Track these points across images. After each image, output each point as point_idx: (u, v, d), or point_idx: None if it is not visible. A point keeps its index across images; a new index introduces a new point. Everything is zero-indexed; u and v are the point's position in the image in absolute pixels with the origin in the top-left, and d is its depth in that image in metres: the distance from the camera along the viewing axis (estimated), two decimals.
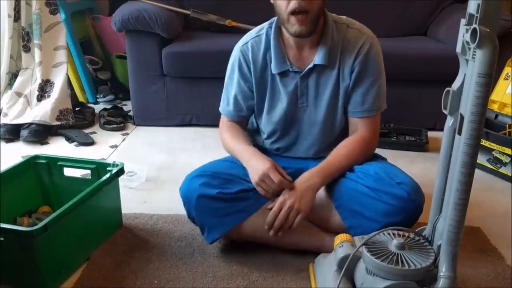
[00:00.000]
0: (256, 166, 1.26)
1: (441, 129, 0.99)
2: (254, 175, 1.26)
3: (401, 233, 1.08)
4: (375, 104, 1.33)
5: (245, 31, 2.55)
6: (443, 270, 0.97)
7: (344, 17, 1.35)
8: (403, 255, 1.00)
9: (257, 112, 1.43)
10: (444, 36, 2.45)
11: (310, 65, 1.30)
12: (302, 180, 1.26)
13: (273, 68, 1.33)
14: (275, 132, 1.43)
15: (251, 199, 1.28)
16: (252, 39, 1.37)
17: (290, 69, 1.32)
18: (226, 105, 1.45)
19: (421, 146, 2.15)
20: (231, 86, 1.42)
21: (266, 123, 1.42)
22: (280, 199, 1.24)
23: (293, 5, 1.19)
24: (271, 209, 1.24)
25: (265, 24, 1.38)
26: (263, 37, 1.36)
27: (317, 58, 1.30)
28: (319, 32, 1.30)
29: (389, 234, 1.07)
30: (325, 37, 1.29)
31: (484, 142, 1.93)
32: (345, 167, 1.31)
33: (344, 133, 1.39)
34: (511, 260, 1.34)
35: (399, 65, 2.26)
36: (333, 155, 1.32)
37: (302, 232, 1.31)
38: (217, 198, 1.25)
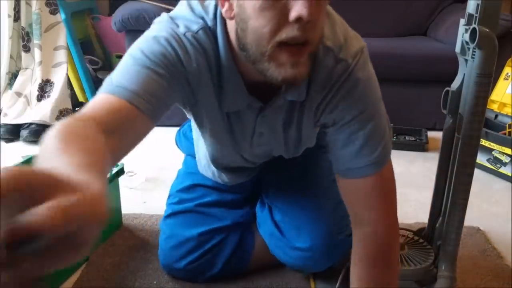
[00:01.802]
0: None
1: (441, 129, 0.99)
2: None
3: (400, 233, 1.08)
4: (372, 156, 0.84)
5: None
6: (442, 269, 0.97)
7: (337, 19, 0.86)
8: (403, 255, 1.00)
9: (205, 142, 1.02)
10: (444, 36, 2.45)
11: (280, 101, 0.84)
12: None
13: (225, 105, 0.85)
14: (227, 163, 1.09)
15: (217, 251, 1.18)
16: (191, 47, 0.77)
17: (252, 105, 0.85)
18: (122, 78, 0.75)
19: (421, 146, 2.15)
20: (149, 74, 0.74)
21: (215, 153, 1.05)
22: None
23: (291, 31, 0.67)
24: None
25: (198, 22, 0.78)
26: (209, 53, 0.79)
27: (292, 93, 0.83)
28: None
29: None
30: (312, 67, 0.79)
31: (484, 142, 1.93)
32: None
33: None
34: (511, 260, 1.34)
35: (399, 65, 2.26)
36: None
37: None
38: (185, 270, 1.19)
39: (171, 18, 0.79)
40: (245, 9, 0.69)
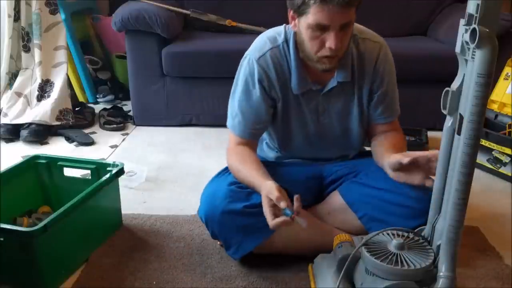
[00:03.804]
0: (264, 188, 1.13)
1: (441, 129, 0.99)
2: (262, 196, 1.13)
3: (400, 233, 1.08)
4: (397, 108, 1.39)
5: (245, 31, 2.58)
6: (442, 270, 0.97)
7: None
8: (403, 255, 1.00)
9: (278, 130, 1.37)
10: (444, 36, 2.45)
11: (333, 83, 1.28)
12: None
13: (295, 89, 1.28)
14: (296, 148, 1.40)
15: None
16: (269, 52, 1.26)
17: (313, 88, 1.29)
18: (238, 122, 1.31)
19: (421, 146, 2.15)
20: (247, 101, 1.29)
21: (286, 138, 1.39)
22: None
23: (326, 52, 1.15)
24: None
25: (277, 36, 1.28)
26: (281, 52, 1.27)
27: (340, 75, 1.27)
28: None
29: (388, 234, 1.07)
30: (346, 56, 1.25)
31: (484, 142, 1.93)
32: None
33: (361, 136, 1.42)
34: (511, 260, 1.34)
35: (399, 65, 2.22)
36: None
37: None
38: (243, 212, 1.19)
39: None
40: (301, 33, 1.19)
